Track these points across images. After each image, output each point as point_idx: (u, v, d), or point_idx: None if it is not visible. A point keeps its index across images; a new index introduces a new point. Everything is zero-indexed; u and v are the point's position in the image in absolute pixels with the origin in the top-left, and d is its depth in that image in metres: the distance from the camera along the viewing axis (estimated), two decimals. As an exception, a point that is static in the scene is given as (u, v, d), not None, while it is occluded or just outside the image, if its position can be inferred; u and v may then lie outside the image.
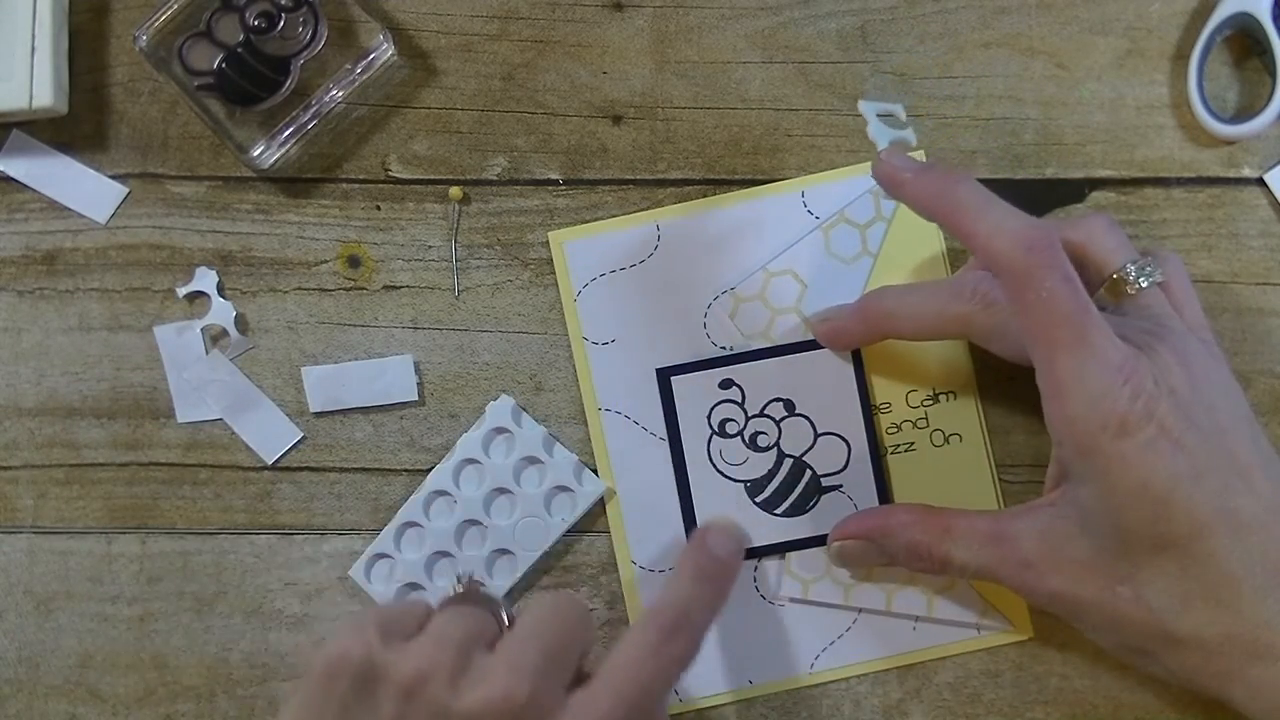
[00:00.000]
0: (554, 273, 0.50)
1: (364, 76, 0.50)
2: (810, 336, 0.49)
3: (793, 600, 0.48)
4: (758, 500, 0.48)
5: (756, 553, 0.48)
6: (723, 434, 0.49)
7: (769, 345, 0.49)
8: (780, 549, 0.48)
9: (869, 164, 0.50)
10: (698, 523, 0.49)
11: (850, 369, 0.49)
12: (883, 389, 0.49)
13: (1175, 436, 0.38)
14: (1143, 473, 0.38)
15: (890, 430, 0.49)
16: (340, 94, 0.50)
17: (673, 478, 0.49)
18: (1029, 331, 0.39)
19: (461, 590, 0.41)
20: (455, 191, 0.50)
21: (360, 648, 0.37)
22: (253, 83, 0.50)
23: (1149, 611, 0.39)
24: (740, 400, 0.49)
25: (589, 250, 0.50)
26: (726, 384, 0.49)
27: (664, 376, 0.49)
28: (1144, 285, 0.42)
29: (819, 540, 0.48)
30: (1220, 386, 0.41)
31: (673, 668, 0.38)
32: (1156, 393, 0.38)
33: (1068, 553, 0.40)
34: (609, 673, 0.37)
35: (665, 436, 0.49)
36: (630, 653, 0.38)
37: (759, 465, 0.49)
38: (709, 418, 0.49)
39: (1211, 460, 0.38)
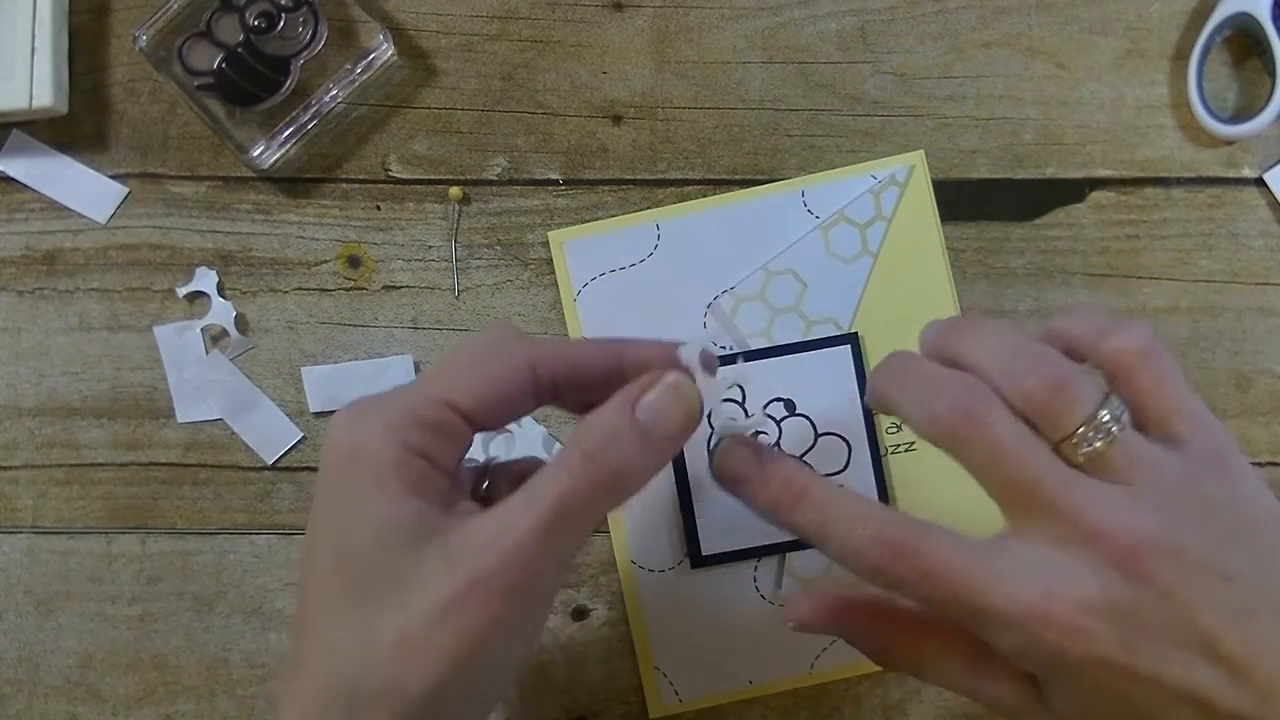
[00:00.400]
0: (554, 272, 0.50)
1: (364, 76, 0.50)
2: (810, 336, 0.49)
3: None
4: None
5: (756, 553, 0.48)
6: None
7: (769, 345, 0.49)
8: (780, 549, 0.48)
9: (869, 164, 0.50)
10: (698, 524, 0.48)
11: (850, 369, 0.49)
12: (883, 389, 0.49)
13: (1160, 628, 0.33)
14: (1104, 679, 0.34)
15: (890, 430, 0.49)
16: (340, 94, 0.50)
17: (673, 479, 0.49)
18: None
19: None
20: (455, 191, 0.50)
21: None
22: (253, 83, 0.50)
23: None
24: (741, 400, 0.49)
25: (589, 250, 0.50)
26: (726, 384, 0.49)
27: None
28: (1097, 447, 0.35)
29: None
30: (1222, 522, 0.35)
31: (597, 491, 0.34)
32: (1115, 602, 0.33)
33: None
34: (530, 489, 0.34)
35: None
36: (553, 470, 0.35)
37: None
38: (709, 418, 0.49)
39: (1172, 653, 0.33)
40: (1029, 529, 0.34)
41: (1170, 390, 0.36)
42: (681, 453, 0.49)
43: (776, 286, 0.49)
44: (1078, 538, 0.34)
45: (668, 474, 0.49)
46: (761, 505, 0.38)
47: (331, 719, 0.33)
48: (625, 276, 0.50)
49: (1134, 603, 0.33)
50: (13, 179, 0.51)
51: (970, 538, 0.35)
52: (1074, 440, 0.34)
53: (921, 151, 0.50)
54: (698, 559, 0.48)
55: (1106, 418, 0.35)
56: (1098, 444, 0.34)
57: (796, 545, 0.48)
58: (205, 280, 0.51)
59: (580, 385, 0.37)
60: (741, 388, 0.49)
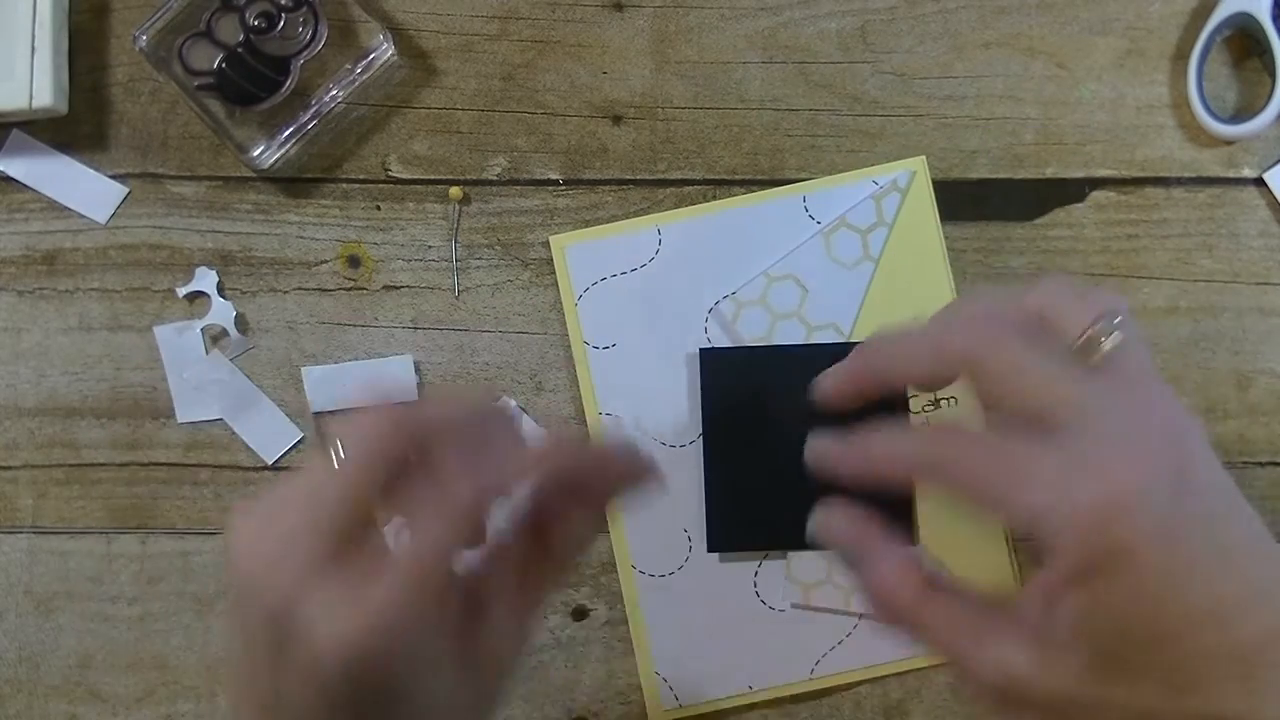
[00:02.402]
0: (554, 273, 0.50)
1: (364, 76, 0.50)
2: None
3: (794, 606, 0.48)
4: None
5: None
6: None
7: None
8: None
9: (871, 169, 0.50)
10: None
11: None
12: (883, 390, 0.49)
13: (1164, 559, 0.34)
14: (1132, 594, 0.34)
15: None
16: (340, 94, 0.50)
17: (672, 480, 0.49)
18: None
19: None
20: (455, 191, 0.50)
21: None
22: (253, 83, 0.50)
23: (1143, 702, 0.35)
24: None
25: (590, 254, 0.50)
26: None
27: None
28: (1104, 349, 0.37)
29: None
30: (1207, 460, 0.36)
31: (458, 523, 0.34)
32: (1146, 487, 0.34)
33: (1061, 665, 0.36)
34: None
35: (666, 440, 0.49)
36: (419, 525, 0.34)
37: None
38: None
39: (1194, 564, 0.35)
40: (1058, 429, 0.35)
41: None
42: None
43: (778, 292, 0.49)
44: (1113, 432, 0.34)
45: (687, 477, 0.49)
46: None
47: None
48: (626, 281, 0.50)
49: (1172, 491, 0.34)
50: (13, 179, 0.51)
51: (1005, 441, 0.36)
52: (1083, 341, 0.36)
53: (923, 157, 0.50)
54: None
55: (1110, 322, 0.36)
56: (1103, 348, 0.36)
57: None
58: (205, 280, 0.51)
59: None
60: None
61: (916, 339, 0.38)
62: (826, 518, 0.40)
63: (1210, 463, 0.35)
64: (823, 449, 0.40)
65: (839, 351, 0.48)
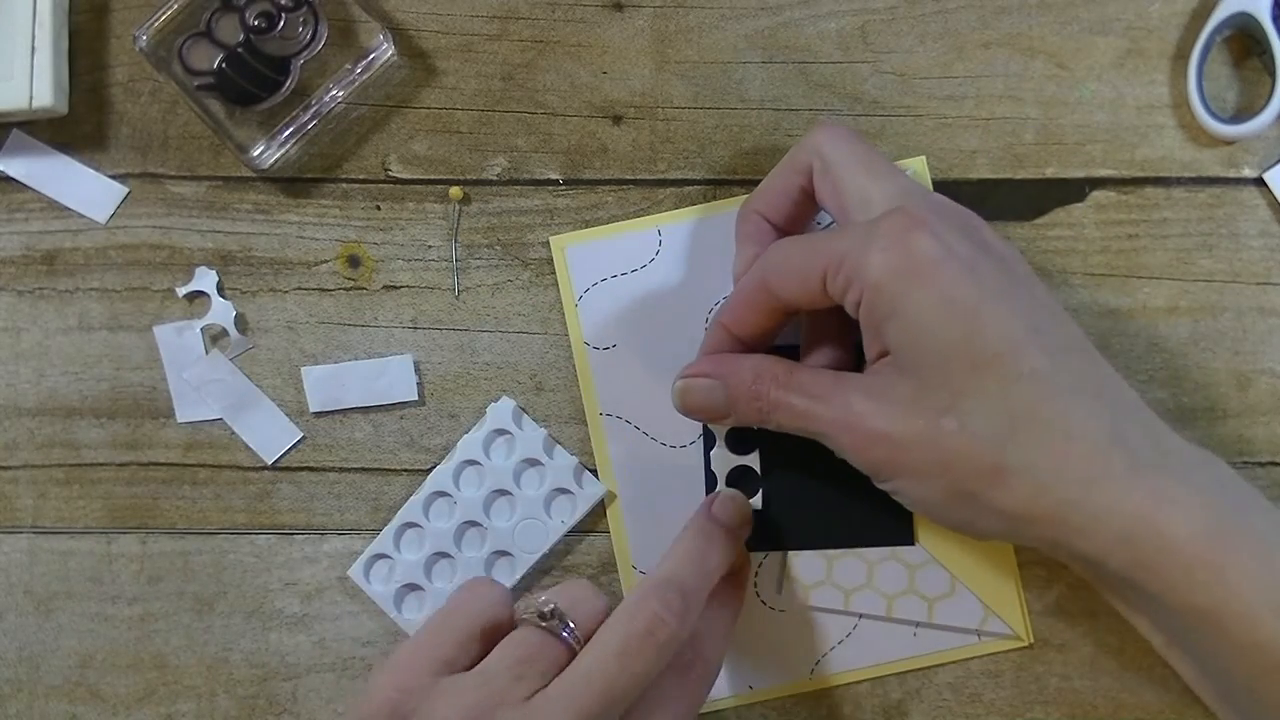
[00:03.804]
0: (554, 273, 0.50)
1: (364, 76, 0.50)
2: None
3: (793, 606, 0.48)
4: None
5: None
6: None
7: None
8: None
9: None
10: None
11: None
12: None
13: (970, 263, 0.39)
14: (946, 289, 0.38)
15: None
16: (340, 94, 0.50)
17: (673, 481, 0.49)
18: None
19: (542, 620, 0.39)
20: (455, 191, 0.50)
21: (403, 694, 0.36)
22: (253, 83, 0.50)
23: (974, 440, 0.38)
24: None
25: (590, 255, 0.50)
26: None
27: None
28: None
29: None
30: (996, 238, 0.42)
31: (643, 669, 0.37)
32: (940, 227, 0.39)
33: (890, 396, 0.40)
34: (569, 679, 0.36)
35: (667, 441, 0.49)
36: (596, 655, 0.37)
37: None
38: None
39: (1010, 285, 0.39)
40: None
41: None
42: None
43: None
44: (921, 204, 0.41)
45: (669, 477, 0.49)
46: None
47: None
48: (626, 282, 0.50)
49: (972, 250, 0.40)
50: (13, 179, 0.51)
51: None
52: None
53: (923, 157, 0.50)
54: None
55: None
56: None
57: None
58: (205, 280, 0.51)
59: None
60: None
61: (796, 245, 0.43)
62: (685, 381, 0.45)
63: (991, 236, 0.42)
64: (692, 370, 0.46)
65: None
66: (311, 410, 0.50)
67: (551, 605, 0.39)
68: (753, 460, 0.48)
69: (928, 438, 0.39)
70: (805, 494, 0.48)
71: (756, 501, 0.48)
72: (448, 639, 0.38)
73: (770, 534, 0.48)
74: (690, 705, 0.40)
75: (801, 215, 0.46)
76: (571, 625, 0.38)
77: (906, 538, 0.48)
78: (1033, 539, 0.39)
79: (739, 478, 0.48)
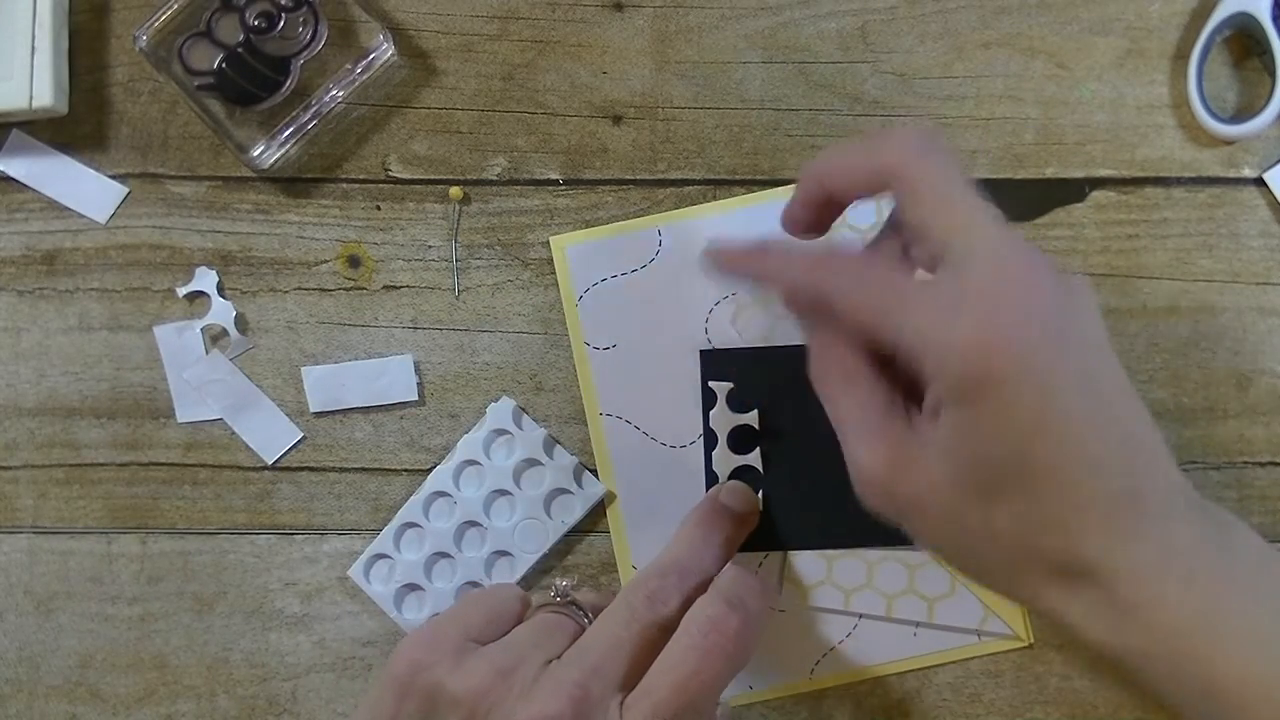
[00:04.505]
0: (554, 273, 0.50)
1: (364, 76, 0.50)
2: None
3: (793, 606, 0.48)
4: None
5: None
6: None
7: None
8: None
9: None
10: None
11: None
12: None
13: (1046, 371, 0.34)
14: (1013, 405, 0.34)
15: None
16: (340, 94, 0.50)
17: (673, 481, 0.49)
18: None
19: (558, 603, 0.42)
20: (455, 191, 0.50)
21: (430, 665, 0.38)
22: (253, 83, 0.50)
23: (993, 530, 0.36)
24: None
25: (590, 255, 0.50)
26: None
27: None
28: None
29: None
30: (1092, 320, 0.37)
31: (718, 662, 0.38)
32: (1030, 330, 0.35)
33: (928, 474, 0.37)
34: (657, 675, 0.38)
35: (667, 441, 0.49)
36: (676, 652, 0.38)
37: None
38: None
39: (1080, 399, 0.35)
40: (955, 267, 0.35)
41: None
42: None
43: (777, 290, 0.49)
44: (1009, 270, 0.35)
45: (669, 477, 0.49)
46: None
47: None
48: (627, 281, 0.50)
49: (1057, 332, 0.35)
50: (13, 179, 0.51)
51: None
52: None
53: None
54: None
55: None
56: None
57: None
58: (205, 280, 0.51)
59: None
60: None
61: (854, 150, 0.39)
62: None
63: (1095, 324, 0.36)
64: (723, 246, 0.41)
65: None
66: (311, 410, 0.50)
67: (568, 589, 0.43)
68: (754, 459, 0.48)
69: (985, 529, 0.36)
70: (806, 494, 0.48)
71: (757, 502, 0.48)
72: (474, 615, 0.41)
73: (771, 534, 0.48)
74: (711, 671, 0.39)
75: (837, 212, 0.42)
76: (584, 609, 0.41)
77: (907, 539, 0.48)
78: (1006, 583, 0.38)
79: (740, 477, 0.48)
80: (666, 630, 0.39)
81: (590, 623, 0.41)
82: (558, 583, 0.42)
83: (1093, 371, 0.35)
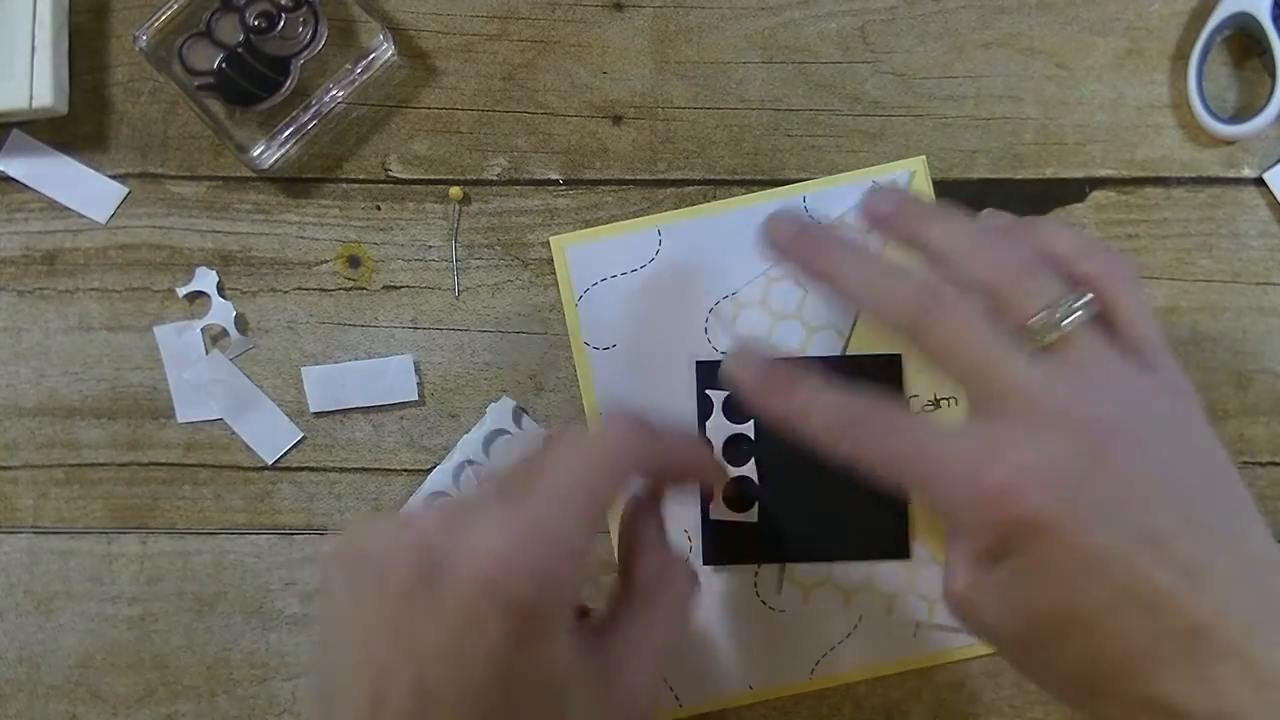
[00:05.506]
0: (554, 273, 0.50)
1: (364, 76, 0.50)
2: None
3: (793, 606, 0.48)
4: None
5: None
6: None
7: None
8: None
9: (871, 169, 0.50)
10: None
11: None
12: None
13: (1076, 509, 0.33)
14: (1047, 551, 0.33)
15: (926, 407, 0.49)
16: (340, 94, 0.50)
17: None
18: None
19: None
20: (455, 191, 0.50)
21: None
22: (253, 83, 0.50)
23: (1074, 680, 0.35)
24: None
25: (590, 255, 0.50)
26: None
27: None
28: (1062, 330, 0.35)
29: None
30: (1139, 442, 0.34)
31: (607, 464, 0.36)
32: (1048, 467, 0.33)
33: (996, 609, 0.36)
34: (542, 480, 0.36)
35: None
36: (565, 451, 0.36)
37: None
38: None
39: (1122, 533, 0.32)
40: (989, 411, 0.34)
41: (1147, 318, 0.36)
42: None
43: (778, 293, 0.49)
44: (1037, 416, 0.33)
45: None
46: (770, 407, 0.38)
47: None
48: (627, 282, 0.50)
49: (1082, 474, 0.32)
50: (13, 179, 0.51)
51: (932, 422, 0.36)
52: (1036, 323, 0.35)
53: (923, 157, 0.50)
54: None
55: (1071, 303, 0.35)
56: (1061, 328, 0.34)
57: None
58: (205, 280, 0.51)
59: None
60: None
61: (866, 271, 0.37)
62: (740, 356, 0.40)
63: (1139, 447, 0.33)
64: (738, 361, 0.39)
65: (838, 364, 0.49)
66: (312, 410, 0.50)
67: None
68: (749, 470, 0.48)
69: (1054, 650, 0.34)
70: (802, 507, 0.48)
71: (753, 515, 0.48)
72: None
73: (767, 546, 0.48)
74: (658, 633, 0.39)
75: None
76: None
77: (903, 551, 0.48)
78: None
79: (735, 488, 0.48)
80: None
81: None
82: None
83: (1137, 500, 0.33)
